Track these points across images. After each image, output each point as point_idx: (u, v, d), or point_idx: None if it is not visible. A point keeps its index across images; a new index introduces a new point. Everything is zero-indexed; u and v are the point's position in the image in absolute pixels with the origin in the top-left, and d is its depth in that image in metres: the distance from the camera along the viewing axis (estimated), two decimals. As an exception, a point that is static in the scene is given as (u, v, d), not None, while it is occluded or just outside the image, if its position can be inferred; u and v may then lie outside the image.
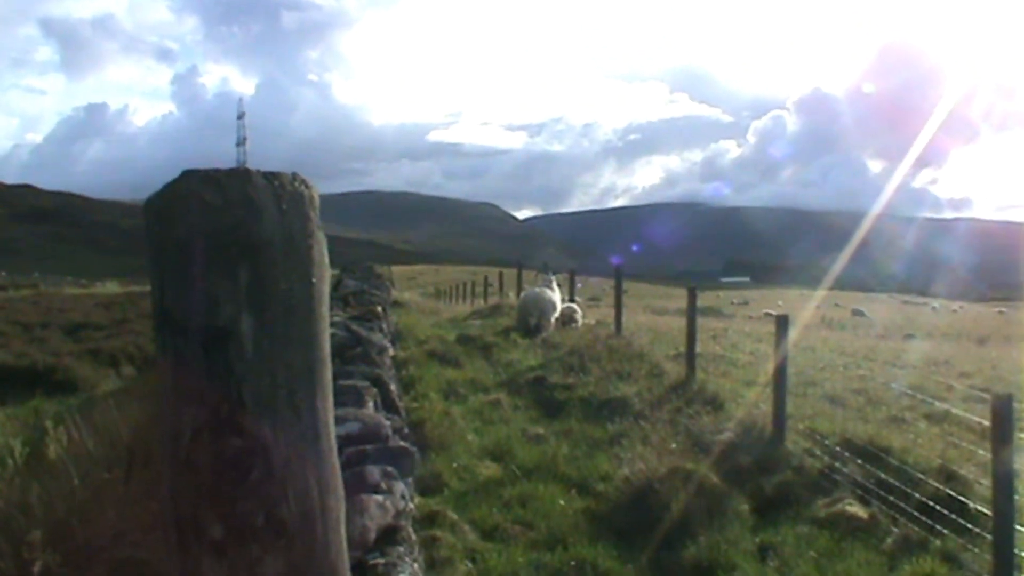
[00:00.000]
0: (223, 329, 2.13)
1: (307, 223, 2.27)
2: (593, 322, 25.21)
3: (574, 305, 24.30)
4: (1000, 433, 7.65)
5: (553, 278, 24.73)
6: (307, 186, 2.30)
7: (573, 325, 22.83)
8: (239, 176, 2.16)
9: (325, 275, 2.34)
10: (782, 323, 11.92)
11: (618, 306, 21.02)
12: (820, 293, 75.75)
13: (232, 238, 2.13)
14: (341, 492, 2.40)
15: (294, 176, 2.27)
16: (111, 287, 72.95)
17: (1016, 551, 7.53)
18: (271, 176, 2.21)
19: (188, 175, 2.16)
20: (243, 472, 2.14)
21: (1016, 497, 7.68)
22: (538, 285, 24.36)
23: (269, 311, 2.17)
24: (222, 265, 2.12)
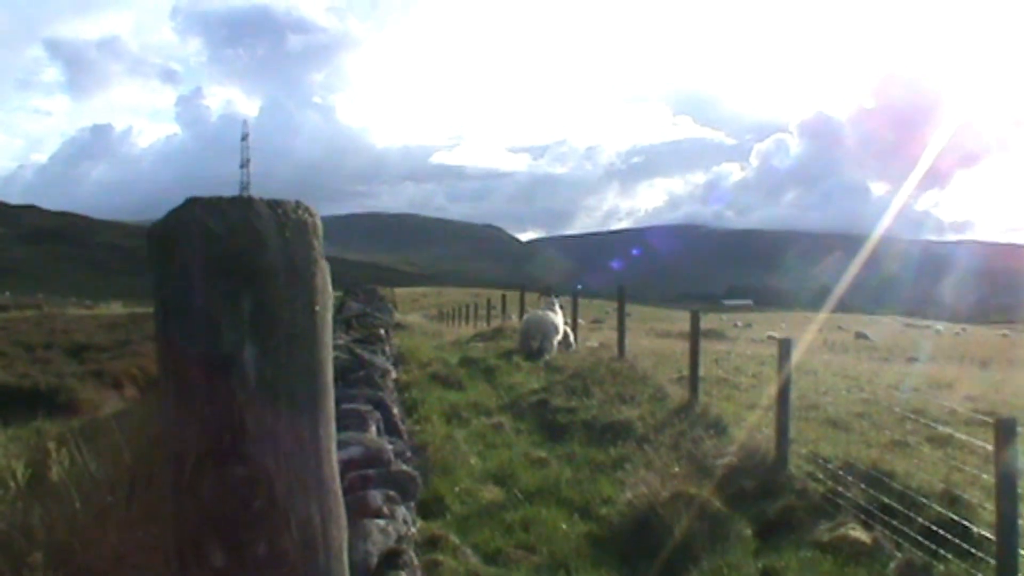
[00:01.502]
0: (226, 357, 2.14)
1: (310, 251, 2.27)
2: (596, 344, 25.18)
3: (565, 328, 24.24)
4: (1004, 457, 7.63)
5: (556, 300, 24.73)
6: (310, 214, 2.30)
7: (570, 349, 22.86)
8: (242, 204, 2.17)
9: (328, 303, 2.34)
10: (784, 346, 11.91)
11: (621, 329, 20.99)
12: (823, 316, 75.65)
13: (235, 266, 2.13)
14: (343, 521, 2.40)
15: (297, 204, 2.28)
16: (115, 308, 73.03)
17: (1020, 576, 7.51)
18: (274, 204, 2.21)
19: (191, 203, 2.17)
20: (246, 500, 2.14)
21: (1020, 522, 7.65)
22: (541, 308, 24.37)
23: (272, 339, 2.17)
24: (225, 293, 2.13)
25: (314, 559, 2.24)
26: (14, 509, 5.79)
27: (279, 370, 2.18)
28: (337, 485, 2.39)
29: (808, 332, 47.10)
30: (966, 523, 8.86)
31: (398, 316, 33.59)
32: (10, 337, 41.33)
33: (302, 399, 2.24)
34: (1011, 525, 7.57)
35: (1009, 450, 7.62)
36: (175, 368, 2.20)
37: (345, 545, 2.41)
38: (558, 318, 23.21)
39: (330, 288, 2.35)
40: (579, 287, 27.61)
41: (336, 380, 2.55)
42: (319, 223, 2.33)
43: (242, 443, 2.14)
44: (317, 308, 2.28)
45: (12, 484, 6.79)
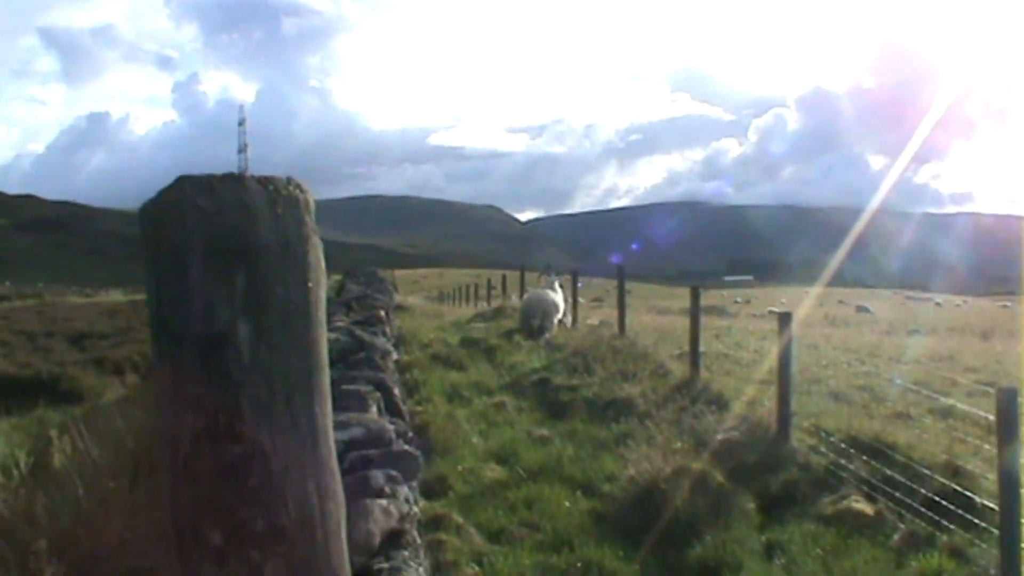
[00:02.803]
0: (220, 335, 2.13)
1: (303, 227, 2.26)
2: (597, 323, 25.18)
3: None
4: (1005, 427, 7.63)
5: (556, 279, 24.72)
6: (302, 190, 2.29)
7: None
8: (233, 181, 2.16)
9: (322, 279, 2.33)
10: (785, 320, 11.90)
11: (621, 306, 21.00)
12: (823, 290, 75.63)
13: (227, 243, 2.12)
14: (341, 497, 2.39)
15: (289, 180, 2.26)
16: (114, 296, 73.11)
17: (1023, 545, 7.51)
18: (265, 180, 2.20)
19: (182, 181, 2.16)
20: (242, 479, 2.14)
21: (1022, 491, 7.66)
22: (541, 287, 24.36)
23: (266, 317, 2.16)
24: (218, 271, 2.12)
25: (312, 536, 2.24)
26: (17, 497, 5.79)
27: (273, 348, 2.17)
28: (334, 463, 2.39)
29: (809, 307, 47.11)
30: (968, 494, 8.87)
31: (398, 298, 33.61)
32: (11, 326, 41.40)
33: (297, 376, 2.23)
34: (1013, 495, 7.57)
35: (1011, 420, 7.62)
36: (169, 349, 2.19)
37: (343, 522, 2.40)
38: (558, 297, 23.22)
39: (323, 264, 2.34)
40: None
41: (337, 362, 2.55)
42: (311, 199, 2.32)
43: (237, 422, 2.13)
44: (310, 284, 2.27)
45: (15, 472, 6.79)
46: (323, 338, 2.35)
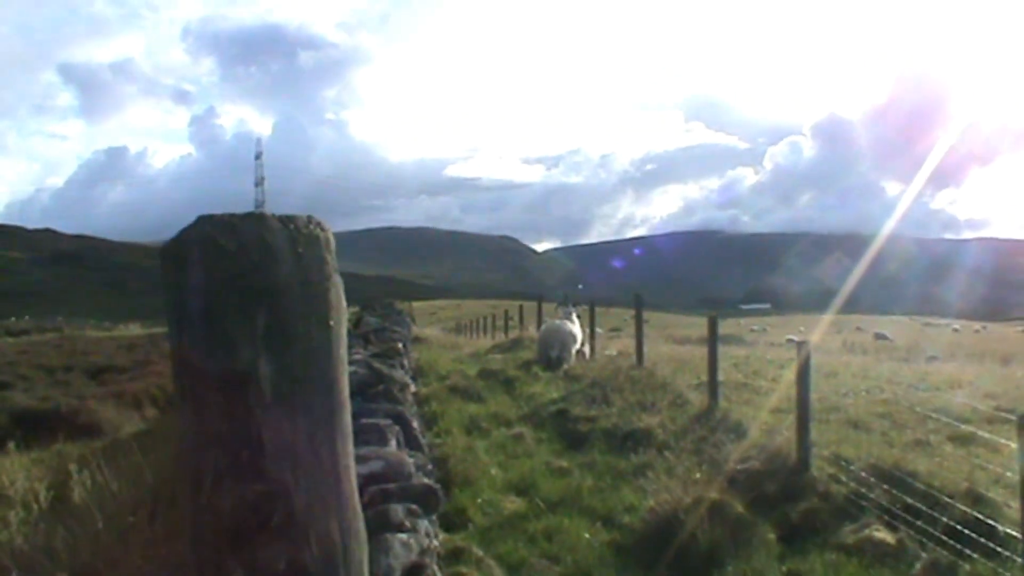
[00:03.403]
0: (242, 373, 2.14)
1: (323, 266, 2.28)
2: (615, 353, 25.13)
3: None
4: (1027, 455, 7.59)
5: (573, 310, 24.71)
6: (322, 228, 2.30)
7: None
8: (254, 220, 2.17)
9: (342, 318, 2.34)
10: (803, 349, 11.87)
11: (639, 336, 20.97)
12: (840, 317, 75.39)
13: (248, 282, 2.13)
14: (363, 535, 2.40)
15: (309, 219, 2.28)
16: (133, 329, 73.34)
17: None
18: (286, 219, 2.22)
19: (203, 220, 2.17)
20: (264, 517, 2.14)
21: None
22: (558, 317, 24.36)
23: (288, 355, 2.17)
24: (239, 309, 2.13)
25: (335, 574, 2.24)
26: (37, 531, 5.81)
27: (295, 385, 2.18)
28: (356, 500, 2.39)
29: (827, 334, 46.94)
30: (991, 522, 8.80)
31: (416, 330, 33.61)
32: (31, 360, 41.54)
33: (319, 414, 2.24)
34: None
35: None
36: (191, 386, 2.20)
37: (366, 560, 2.40)
38: (575, 327, 23.20)
39: (344, 302, 2.35)
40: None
41: (355, 395, 2.54)
42: (331, 237, 2.33)
43: (260, 459, 2.14)
44: (332, 323, 2.28)
45: (35, 506, 6.82)
46: (345, 376, 2.35)
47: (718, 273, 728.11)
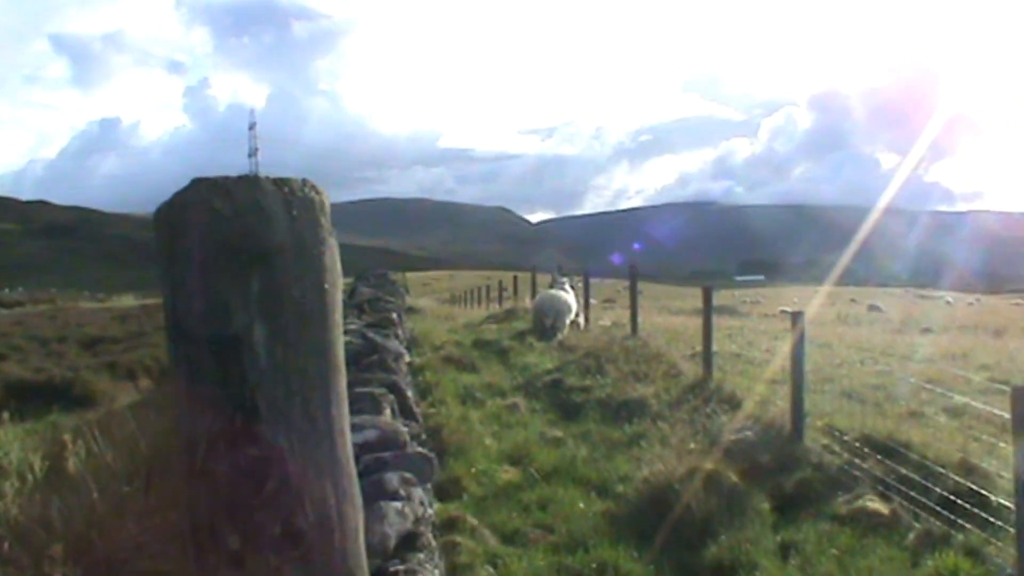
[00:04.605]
0: (236, 337, 2.12)
1: (318, 229, 2.26)
2: (609, 324, 25.16)
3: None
4: (1020, 425, 7.59)
5: (567, 280, 24.71)
6: (317, 191, 2.28)
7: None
8: (248, 183, 2.15)
9: (338, 281, 2.33)
10: (797, 320, 11.87)
11: (633, 307, 20.99)
12: (834, 289, 75.38)
13: (242, 246, 2.11)
14: (359, 500, 2.38)
15: (304, 182, 2.26)
16: (127, 300, 73.28)
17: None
18: (281, 182, 2.19)
19: (197, 183, 2.15)
20: (259, 481, 2.13)
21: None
22: (553, 287, 24.37)
23: (282, 319, 2.15)
24: (233, 273, 2.11)
25: (330, 539, 2.24)
26: (32, 502, 5.80)
27: (289, 350, 2.17)
28: (352, 465, 2.38)
29: (821, 306, 46.99)
30: (984, 492, 8.83)
31: (410, 300, 33.61)
32: (25, 332, 41.49)
33: (313, 379, 2.22)
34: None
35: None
36: (185, 352, 2.19)
37: (361, 525, 2.39)
38: (571, 297, 23.22)
39: (339, 266, 2.33)
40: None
41: (349, 364, 2.53)
42: (326, 200, 2.31)
43: (254, 424, 2.13)
44: (326, 286, 2.26)
45: (30, 477, 6.80)
46: (340, 340, 2.34)
47: (712, 245, 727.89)
